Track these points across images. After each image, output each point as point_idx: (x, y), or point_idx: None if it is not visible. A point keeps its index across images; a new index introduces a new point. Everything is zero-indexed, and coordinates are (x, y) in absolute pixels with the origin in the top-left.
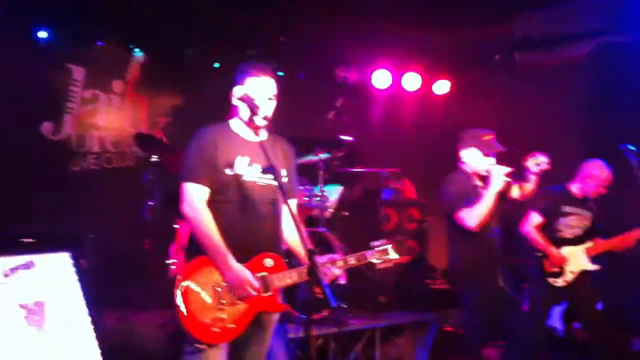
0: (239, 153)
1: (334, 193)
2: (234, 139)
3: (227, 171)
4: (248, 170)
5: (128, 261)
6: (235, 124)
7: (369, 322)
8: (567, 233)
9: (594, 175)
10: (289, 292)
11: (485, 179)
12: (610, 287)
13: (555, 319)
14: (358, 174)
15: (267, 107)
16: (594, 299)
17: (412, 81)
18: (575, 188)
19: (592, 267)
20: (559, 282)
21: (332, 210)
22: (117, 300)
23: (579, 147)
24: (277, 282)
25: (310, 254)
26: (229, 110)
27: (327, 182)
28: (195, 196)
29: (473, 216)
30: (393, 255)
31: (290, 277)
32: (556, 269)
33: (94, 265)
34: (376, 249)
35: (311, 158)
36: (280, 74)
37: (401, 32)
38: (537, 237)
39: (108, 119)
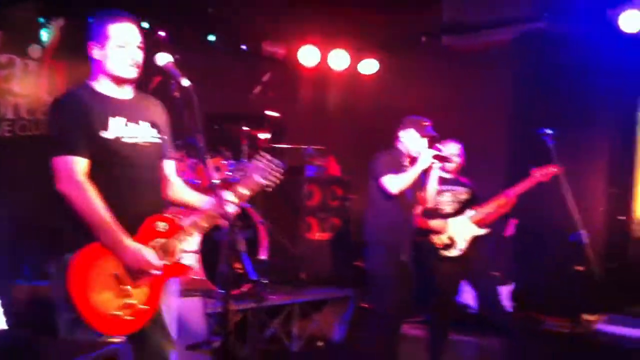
0: (112, 114)
1: None
2: (104, 100)
3: (104, 135)
4: (125, 131)
5: (43, 233)
6: (100, 84)
7: (288, 298)
8: (448, 208)
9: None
10: (209, 267)
11: (414, 161)
12: (520, 267)
13: (468, 297)
14: (282, 150)
15: (137, 55)
16: (488, 268)
17: (339, 59)
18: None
19: (482, 231)
20: (454, 252)
21: None
22: (30, 272)
23: (504, 131)
24: (178, 244)
25: (232, 228)
26: (147, 76)
27: (250, 157)
28: (75, 170)
29: (395, 183)
30: (279, 165)
31: (189, 234)
32: (447, 242)
33: (6, 236)
34: (261, 165)
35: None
36: (212, 38)
37: (330, 9)
38: (420, 221)
39: (24, 85)
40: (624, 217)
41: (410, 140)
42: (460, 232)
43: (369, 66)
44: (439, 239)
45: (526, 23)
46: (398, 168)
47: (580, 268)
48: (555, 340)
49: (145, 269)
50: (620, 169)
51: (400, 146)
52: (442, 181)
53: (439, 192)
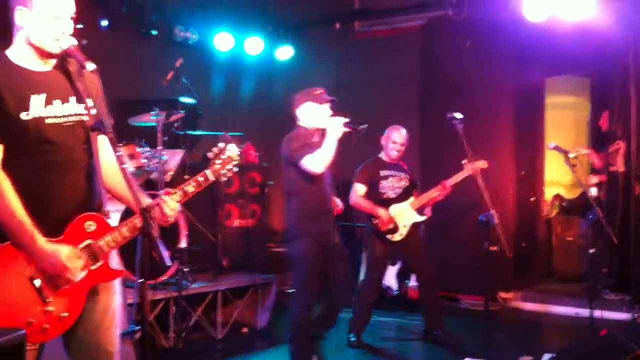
0: (32, 90)
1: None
2: (21, 74)
3: (24, 116)
4: (48, 110)
5: None
6: (19, 55)
7: (210, 285)
8: (391, 194)
9: (388, 140)
10: (128, 255)
11: (324, 134)
12: (433, 249)
13: (390, 279)
14: (199, 137)
15: (70, 27)
16: (425, 251)
17: (254, 45)
18: (383, 155)
19: (421, 218)
20: (396, 237)
21: (172, 174)
22: None
23: (414, 116)
24: (106, 247)
25: (144, 213)
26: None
27: (166, 145)
28: None
29: (317, 161)
30: (235, 151)
31: (120, 235)
32: (391, 226)
33: None
34: (216, 161)
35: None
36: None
37: None
38: (365, 204)
39: None
40: (533, 199)
41: (310, 113)
42: (402, 218)
43: (284, 52)
44: (382, 224)
45: (433, 10)
46: (310, 147)
47: (494, 248)
48: (472, 317)
49: (64, 273)
50: (528, 153)
51: (302, 124)
52: (385, 166)
53: (384, 177)
